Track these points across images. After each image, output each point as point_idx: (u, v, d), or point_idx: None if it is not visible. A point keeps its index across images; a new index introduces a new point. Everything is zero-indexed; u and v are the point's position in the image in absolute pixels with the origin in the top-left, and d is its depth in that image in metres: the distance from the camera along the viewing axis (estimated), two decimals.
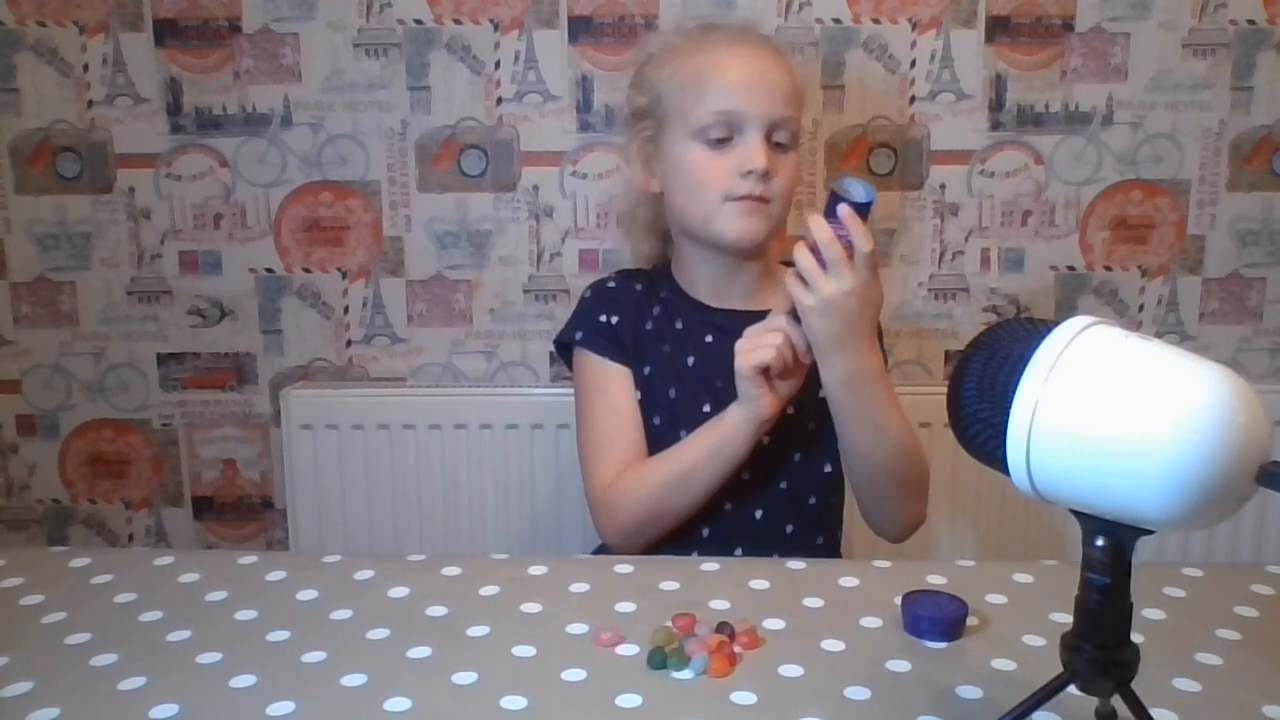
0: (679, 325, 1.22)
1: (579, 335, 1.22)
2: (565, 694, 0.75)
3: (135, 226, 1.56)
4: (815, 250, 1.02)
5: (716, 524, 1.16)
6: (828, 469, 1.19)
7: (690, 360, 1.19)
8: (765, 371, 1.06)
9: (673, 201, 1.18)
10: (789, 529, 1.18)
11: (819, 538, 1.20)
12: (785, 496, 1.18)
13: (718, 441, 1.09)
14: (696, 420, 1.13)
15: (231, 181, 1.54)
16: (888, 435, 1.08)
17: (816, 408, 1.15)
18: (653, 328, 1.22)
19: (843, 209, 1.01)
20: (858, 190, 1.02)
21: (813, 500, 1.19)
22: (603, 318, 1.22)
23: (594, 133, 1.52)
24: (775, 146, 1.13)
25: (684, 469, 1.11)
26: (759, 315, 1.10)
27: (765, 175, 1.11)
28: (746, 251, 1.17)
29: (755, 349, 1.05)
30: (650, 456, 1.16)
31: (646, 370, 1.20)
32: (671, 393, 1.18)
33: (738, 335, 1.09)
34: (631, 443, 1.17)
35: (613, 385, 1.19)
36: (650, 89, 1.18)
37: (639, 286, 1.25)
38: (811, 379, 1.09)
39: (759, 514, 1.17)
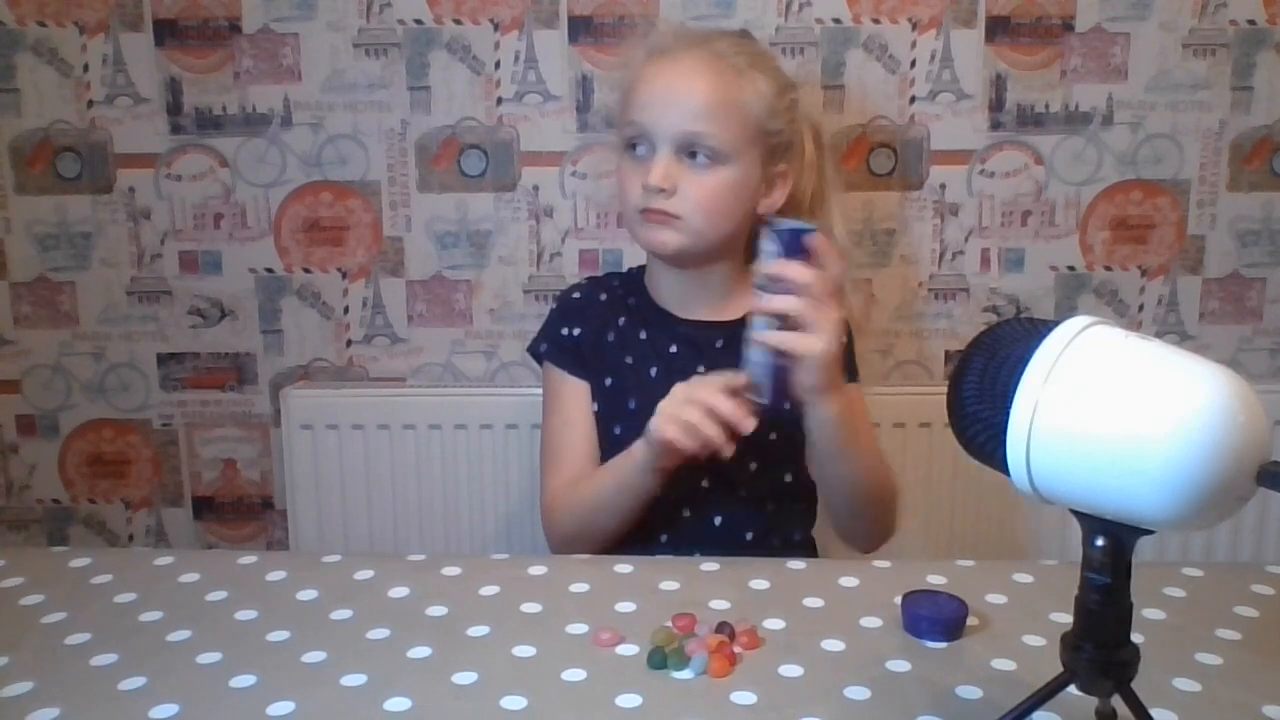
0: (644, 335, 1.22)
1: (543, 347, 1.26)
2: (565, 694, 0.75)
3: (135, 226, 1.55)
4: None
5: (675, 530, 1.17)
6: (788, 478, 1.20)
7: (653, 371, 1.20)
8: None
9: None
10: (748, 536, 1.19)
11: (775, 540, 1.21)
12: (744, 504, 1.18)
13: (624, 475, 1.10)
14: None
15: (231, 181, 1.54)
16: (868, 461, 1.10)
17: (777, 419, 1.13)
18: (615, 339, 1.23)
19: (771, 267, 0.98)
20: (785, 237, 0.99)
21: (771, 508, 1.19)
22: (564, 330, 1.24)
23: (594, 133, 1.51)
24: (695, 161, 1.13)
25: (601, 497, 1.13)
26: (725, 327, 1.13)
27: (664, 191, 1.11)
28: (672, 260, 1.18)
29: (671, 423, 1.02)
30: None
31: (608, 382, 1.21)
32: (632, 404, 1.18)
33: (702, 347, 1.12)
34: (579, 457, 1.19)
35: (567, 399, 1.22)
36: (615, 95, 1.24)
37: (604, 295, 1.26)
38: None
39: (718, 521, 1.18)
